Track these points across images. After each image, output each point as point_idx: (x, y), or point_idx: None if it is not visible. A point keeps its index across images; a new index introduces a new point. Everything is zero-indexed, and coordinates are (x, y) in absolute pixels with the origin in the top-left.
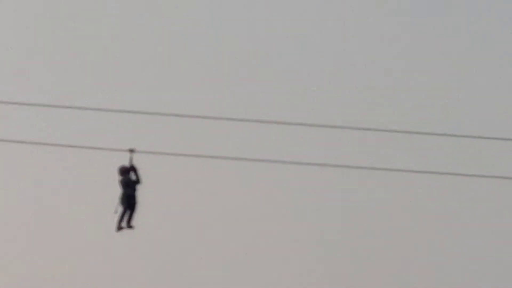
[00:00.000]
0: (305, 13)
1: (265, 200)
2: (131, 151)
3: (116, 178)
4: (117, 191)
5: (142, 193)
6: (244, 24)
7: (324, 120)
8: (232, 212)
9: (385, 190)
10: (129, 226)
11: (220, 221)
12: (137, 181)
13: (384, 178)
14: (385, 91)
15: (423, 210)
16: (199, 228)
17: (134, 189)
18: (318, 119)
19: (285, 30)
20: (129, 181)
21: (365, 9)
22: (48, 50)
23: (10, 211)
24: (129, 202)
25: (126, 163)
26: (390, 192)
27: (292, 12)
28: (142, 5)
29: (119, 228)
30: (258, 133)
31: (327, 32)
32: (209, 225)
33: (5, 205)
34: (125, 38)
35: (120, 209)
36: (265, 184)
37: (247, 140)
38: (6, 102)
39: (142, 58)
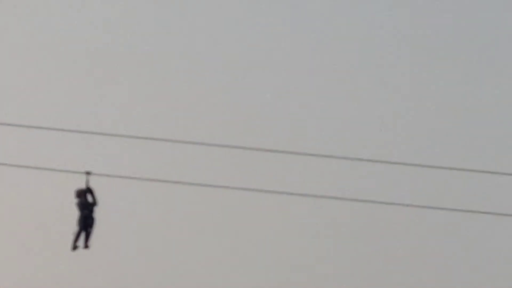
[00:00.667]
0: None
1: (224, 225)
2: (88, 173)
3: (73, 199)
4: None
5: (98, 214)
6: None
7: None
8: (186, 234)
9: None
10: (86, 246)
11: (174, 243)
12: (94, 203)
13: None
14: (389, 124)
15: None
16: (153, 249)
17: (91, 211)
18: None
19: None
20: (86, 203)
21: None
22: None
23: None
24: (85, 222)
25: (83, 186)
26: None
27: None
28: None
29: (74, 247)
30: (217, 157)
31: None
32: (162, 247)
33: None
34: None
35: (76, 229)
36: (223, 209)
37: (207, 164)
38: None
39: (101, 76)
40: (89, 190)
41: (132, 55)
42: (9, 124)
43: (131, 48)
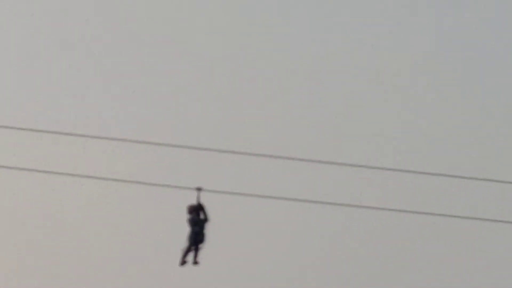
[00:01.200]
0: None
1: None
2: (199, 189)
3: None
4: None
5: (209, 231)
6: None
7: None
8: (295, 253)
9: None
10: (195, 262)
11: (283, 262)
12: (205, 219)
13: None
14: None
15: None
16: (263, 266)
17: (202, 227)
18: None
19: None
20: (197, 219)
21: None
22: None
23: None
24: (196, 238)
25: (194, 202)
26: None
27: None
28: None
29: (183, 262)
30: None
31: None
32: (271, 264)
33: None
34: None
35: (186, 245)
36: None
37: (312, 181)
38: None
39: (212, 94)
40: (200, 206)
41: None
42: (123, 140)
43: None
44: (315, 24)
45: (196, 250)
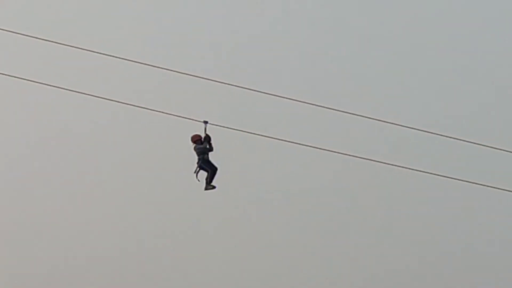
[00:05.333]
0: None
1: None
2: (206, 122)
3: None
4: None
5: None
6: None
7: None
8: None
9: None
10: (214, 186)
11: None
12: (210, 149)
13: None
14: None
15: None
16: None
17: (208, 155)
18: None
19: None
20: (205, 148)
21: None
22: None
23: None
24: (209, 165)
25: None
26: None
27: None
28: None
29: (212, 187)
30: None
31: None
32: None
33: None
34: None
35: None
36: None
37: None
38: None
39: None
40: (209, 137)
41: None
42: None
43: None
44: None
45: (213, 175)
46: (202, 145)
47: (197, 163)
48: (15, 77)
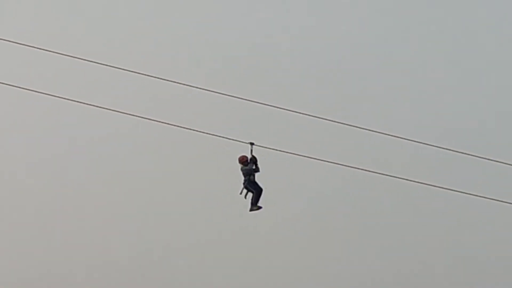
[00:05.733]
0: None
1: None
2: (252, 144)
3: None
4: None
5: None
6: None
7: None
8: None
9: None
10: (259, 207)
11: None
12: (257, 170)
13: None
14: None
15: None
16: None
17: (254, 177)
18: None
19: None
20: (251, 169)
21: None
22: None
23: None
24: (255, 186)
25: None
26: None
27: None
28: None
29: (258, 208)
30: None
31: None
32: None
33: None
34: None
35: (247, 192)
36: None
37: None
38: None
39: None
40: (255, 159)
41: None
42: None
43: None
44: None
45: (259, 196)
46: (248, 166)
47: (243, 183)
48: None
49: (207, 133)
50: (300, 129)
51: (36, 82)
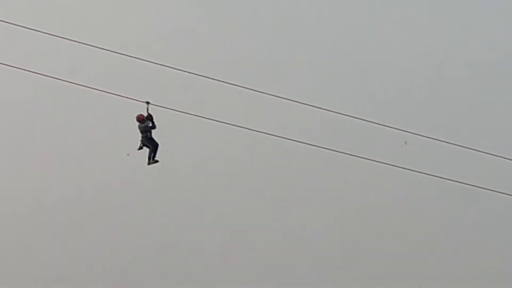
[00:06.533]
0: None
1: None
2: (148, 103)
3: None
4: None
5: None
6: None
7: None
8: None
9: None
10: (156, 161)
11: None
12: (153, 127)
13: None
14: None
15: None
16: None
17: (151, 133)
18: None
19: None
20: (148, 126)
21: None
22: None
23: None
24: (151, 142)
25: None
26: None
27: None
28: None
29: (155, 161)
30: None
31: None
32: None
33: None
34: None
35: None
36: None
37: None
38: None
39: None
40: (151, 116)
41: None
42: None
43: None
44: None
45: (155, 151)
46: (145, 123)
47: (141, 140)
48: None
49: (108, 92)
50: (191, 90)
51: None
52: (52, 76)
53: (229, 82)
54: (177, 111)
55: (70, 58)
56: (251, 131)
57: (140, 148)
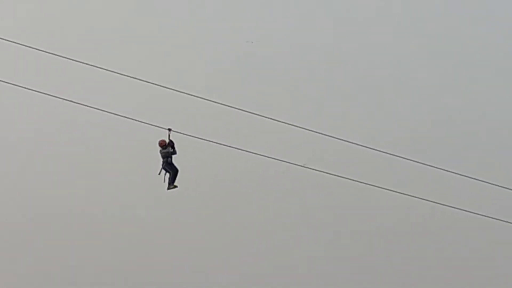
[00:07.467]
0: None
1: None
2: (169, 130)
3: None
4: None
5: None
6: None
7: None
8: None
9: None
10: (175, 186)
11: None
12: (174, 153)
13: None
14: None
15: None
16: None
17: (171, 159)
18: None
19: None
20: (169, 152)
21: None
22: None
23: None
24: (172, 168)
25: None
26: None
27: None
28: None
29: (174, 187)
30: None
31: None
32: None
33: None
34: None
35: (165, 173)
36: None
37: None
38: None
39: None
40: (172, 143)
41: None
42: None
43: None
44: None
45: (175, 176)
46: (166, 149)
47: (162, 165)
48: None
49: (131, 119)
50: (214, 119)
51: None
52: (85, 104)
53: (250, 111)
54: (198, 138)
55: (104, 87)
56: (270, 159)
57: (161, 173)
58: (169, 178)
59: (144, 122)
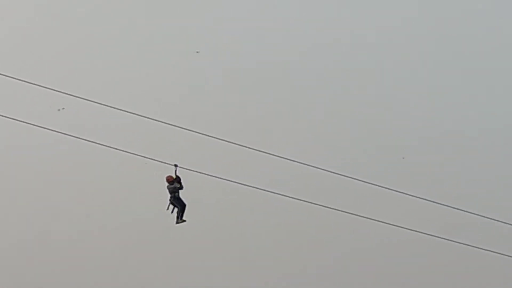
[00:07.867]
0: None
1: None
2: (176, 165)
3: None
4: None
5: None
6: None
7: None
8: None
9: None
10: (184, 220)
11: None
12: (181, 188)
13: None
14: None
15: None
16: None
17: (179, 193)
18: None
19: None
20: (176, 187)
21: None
22: None
23: None
24: (179, 202)
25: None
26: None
27: None
28: None
29: (182, 221)
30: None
31: None
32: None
33: None
34: None
35: (173, 208)
36: None
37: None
38: None
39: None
40: (178, 178)
41: None
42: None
43: None
44: None
45: (182, 211)
46: (173, 184)
47: (170, 200)
48: None
49: (139, 155)
50: (217, 154)
51: None
52: (102, 143)
53: (255, 148)
54: (204, 174)
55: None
56: (276, 195)
57: (169, 208)
58: (177, 213)
59: (151, 159)
